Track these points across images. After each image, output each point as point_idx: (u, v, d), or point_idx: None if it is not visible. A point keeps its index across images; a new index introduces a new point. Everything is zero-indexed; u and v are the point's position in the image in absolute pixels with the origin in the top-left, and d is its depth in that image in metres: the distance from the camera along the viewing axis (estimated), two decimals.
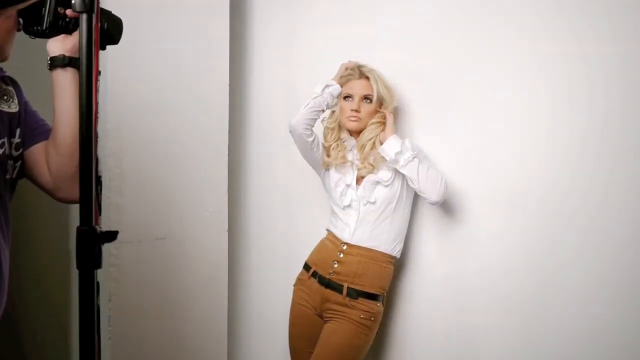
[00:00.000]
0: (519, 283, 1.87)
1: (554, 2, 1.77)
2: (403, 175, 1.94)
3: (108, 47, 2.04)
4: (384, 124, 2.00)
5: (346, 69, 2.07)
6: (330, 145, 2.09)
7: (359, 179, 2.03)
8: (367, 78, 2.01)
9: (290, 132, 2.06)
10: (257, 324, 2.74)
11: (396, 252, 2.02)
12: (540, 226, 1.82)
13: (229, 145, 2.45)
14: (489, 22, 1.92)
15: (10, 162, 1.28)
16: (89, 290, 0.99)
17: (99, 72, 1.66)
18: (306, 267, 2.10)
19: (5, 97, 1.29)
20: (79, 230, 0.99)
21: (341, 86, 2.04)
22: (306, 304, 2.06)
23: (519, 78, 1.86)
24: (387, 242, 1.99)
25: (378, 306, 1.99)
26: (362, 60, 2.09)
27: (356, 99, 2.01)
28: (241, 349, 2.77)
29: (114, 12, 1.31)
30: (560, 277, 1.78)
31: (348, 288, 1.97)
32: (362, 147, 2.02)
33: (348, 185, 2.03)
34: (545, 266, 1.81)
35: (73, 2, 0.95)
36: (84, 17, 0.96)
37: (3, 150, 1.24)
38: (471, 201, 1.98)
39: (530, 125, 1.84)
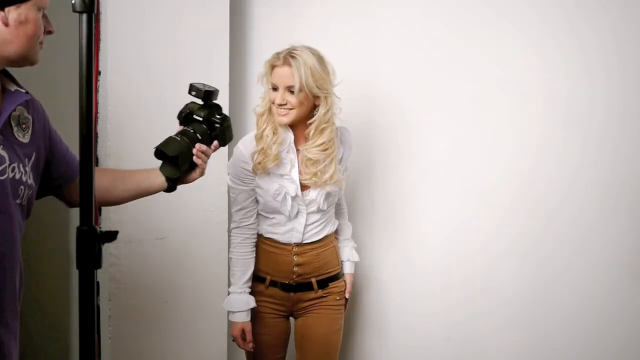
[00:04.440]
0: (522, 284, 1.87)
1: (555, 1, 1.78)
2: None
3: (108, 47, 2.06)
4: (332, 144, 1.83)
5: (277, 52, 1.84)
6: (264, 133, 1.84)
7: (304, 187, 1.88)
8: (291, 65, 1.77)
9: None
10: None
11: (335, 227, 2.03)
12: (542, 225, 1.82)
13: (228, 145, 2.44)
14: (489, 22, 1.92)
15: (22, 188, 1.25)
16: (89, 290, 0.99)
17: (99, 72, 1.67)
18: (259, 279, 1.96)
19: (23, 126, 1.27)
20: (79, 230, 0.99)
21: (271, 70, 1.83)
22: (274, 312, 1.98)
23: (519, 76, 1.86)
24: (329, 228, 1.99)
25: (344, 282, 2.03)
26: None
27: (281, 90, 1.79)
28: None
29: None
30: (564, 276, 1.79)
31: (317, 281, 1.96)
32: (311, 162, 1.84)
33: (293, 197, 1.86)
34: (548, 266, 1.82)
35: (73, 2, 0.95)
36: (84, 17, 0.96)
37: (13, 174, 1.22)
38: (473, 201, 1.98)
39: (532, 124, 1.84)
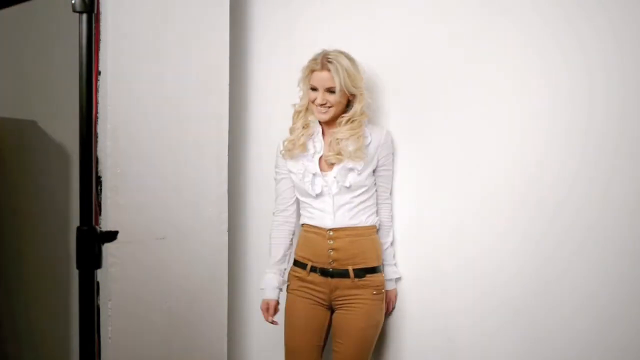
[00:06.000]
0: (522, 284, 1.87)
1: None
2: (372, 168, 2.06)
3: (108, 47, 2.06)
4: (360, 126, 2.03)
5: (314, 58, 2.05)
6: (296, 126, 2.11)
7: (325, 166, 2.07)
8: (329, 70, 1.99)
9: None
10: (257, 324, 2.74)
11: (375, 222, 2.10)
12: (542, 226, 1.82)
13: (229, 145, 2.44)
14: (489, 21, 1.92)
15: None
16: (89, 290, 0.99)
17: (99, 72, 1.68)
18: (299, 264, 2.12)
19: None
20: (79, 230, 0.99)
21: (311, 74, 2.04)
22: (311, 297, 2.09)
23: (519, 77, 1.86)
24: (366, 218, 2.07)
25: (383, 276, 2.08)
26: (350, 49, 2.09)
27: (320, 91, 2.02)
28: (241, 349, 2.77)
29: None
30: (564, 276, 1.79)
31: (354, 270, 2.02)
32: (337, 141, 2.03)
33: (315, 174, 2.06)
34: (548, 266, 1.81)
35: (73, 2, 0.95)
36: (84, 17, 0.96)
37: None
38: (473, 202, 1.98)
39: (532, 124, 1.84)
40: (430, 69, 2.07)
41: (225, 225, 2.44)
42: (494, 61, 1.91)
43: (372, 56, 2.21)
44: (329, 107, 2.02)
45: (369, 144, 2.05)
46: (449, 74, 2.02)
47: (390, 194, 2.15)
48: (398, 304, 2.18)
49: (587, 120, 1.72)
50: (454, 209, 2.03)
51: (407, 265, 2.15)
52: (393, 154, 2.13)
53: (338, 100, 2.02)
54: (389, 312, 2.15)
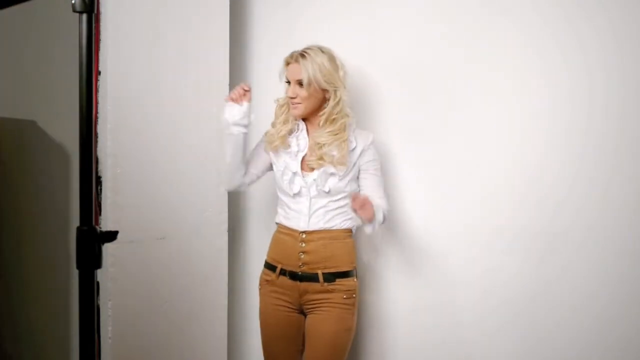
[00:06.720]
0: (522, 283, 1.87)
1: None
2: (353, 174, 2.00)
3: (108, 47, 2.06)
4: (343, 130, 1.97)
5: (292, 52, 2.02)
6: (277, 121, 2.07)
7: (306, 167, 2.02)
8: (299, 62, 1.97)
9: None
10: (257, 324, 2.73)
11: (351, 226, 2.05)
12: (542, 226, 1.82)
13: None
14: (489, 22, 1.92)
15: None
16: (89, 290, 0.99)
17: (99, 72, 1.68)
18: (269, 267, 2.08)
19: None
20: (79, 230, 0.99)
21: (286, 67, 2.01)
22: (283, 302, 2.05)
23: (519, 77, 1.86)
24: (342, 222, 2.02)
25: (355, 281, 2.03)
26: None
27: (292, 84, 1.99)
28: (241, 348, 2.77)
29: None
30: (564, 275, 1.79)
31: (323, 274, 1.98)
32: (319, 145, 1.98)
33: (295, 173, 2.02)
34: (548, 265, 1.82)
35: (73, 2, 0.95)
36: (84, 17, 0.96)
37: None
38: (473, 202, 1.98)
39: (532, 124, 1.84)
40: (430, 69, 2.07)
41: (225, 225, 2.44)
42: (494, 61, 1.91)
43: (372, 56, 2.21)
44: (299, 103, 1.98)
45: (354, 149, 2.00)
46: (449, 74, 2.03)
47: (385, 194, 2.03)
48: (397, 304, 2.18)
49: (587, 120, 1.72)
50: (454, 209, 2.02)
51: (407, 265, 2.15)
52: (379, 160, 2.05)
53: (308, 95, 1.96)
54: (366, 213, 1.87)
